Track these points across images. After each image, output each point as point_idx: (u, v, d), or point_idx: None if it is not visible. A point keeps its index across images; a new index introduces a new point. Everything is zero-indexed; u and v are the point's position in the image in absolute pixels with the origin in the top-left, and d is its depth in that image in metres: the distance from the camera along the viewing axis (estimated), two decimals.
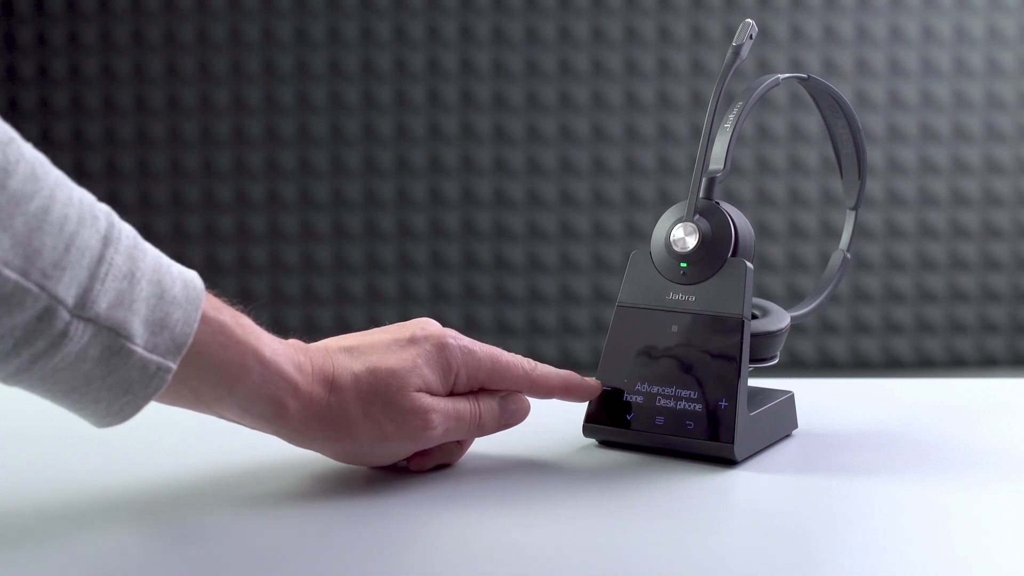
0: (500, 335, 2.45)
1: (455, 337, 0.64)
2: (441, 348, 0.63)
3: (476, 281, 2.49)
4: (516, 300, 2.49)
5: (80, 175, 2.41)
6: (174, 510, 0.60)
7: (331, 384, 0.60)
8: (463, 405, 0.64)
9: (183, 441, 0.73)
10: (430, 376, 0.62)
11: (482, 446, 0.71)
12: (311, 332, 2.41)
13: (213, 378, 0.57)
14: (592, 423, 0.72)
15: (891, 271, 2.52)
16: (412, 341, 0.63)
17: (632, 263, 0.73)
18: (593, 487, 0.65)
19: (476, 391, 0.66)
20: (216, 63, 2.47)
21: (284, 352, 0.59)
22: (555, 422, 0.76)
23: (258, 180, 2.48)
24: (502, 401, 0.67)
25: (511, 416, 0.68)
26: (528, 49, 2.49)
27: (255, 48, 2.47)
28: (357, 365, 0.61)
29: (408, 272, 2.48)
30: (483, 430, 0.66)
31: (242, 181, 2.47)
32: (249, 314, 0.60)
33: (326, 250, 2.47)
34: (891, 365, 2.52)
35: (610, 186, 2.51)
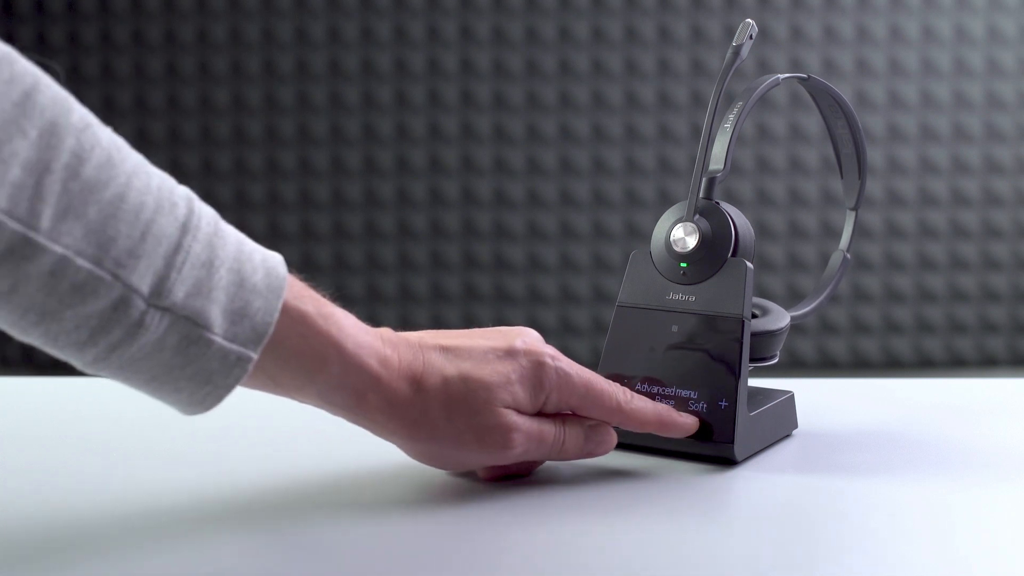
0: None
1: (554, 357, 0.63)
2: (538, 367, 0.62)
3: (476, 281, 2.49)
4: (516, 300, 2.49)
5: None
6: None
7: (418, 382, 0.59)
8: (548, 427, 0.63)
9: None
10: (520, 394, 0.61)
11: None
12: None
13: (293, 368, 0.56)
14: None
15: (891, 271, 2.52)
16: (510, 353, 0.62)
17: (632, 263, 0.73)
18: (593, 487, 0.65)
19: (564, 414, 0.64)
20: (216, 63, 2.47)
21: (369, 344, 0.58)
22: None
23: (258, 180, 2.48)
24: (589, 430, 0.65)
25: (596, 447, 0.65)
26: (528, 49, 2.49)
27: (255, 48, 2.47)
28: (449, 368, 0.60)
29: (408, 272, 2.48)
30: (564, 455, 0.64)
31: (242, 181, 2.47)
32: (336, 301, 0.59)
33: (326, 250, 2.47)
34: (891, 365, 2.52)
35: (610, 186, 2.51)
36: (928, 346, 2.53)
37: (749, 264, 0.69)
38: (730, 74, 0.70)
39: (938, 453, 0.72)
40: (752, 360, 0.70)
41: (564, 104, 2.50)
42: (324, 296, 0.59)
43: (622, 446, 0.71)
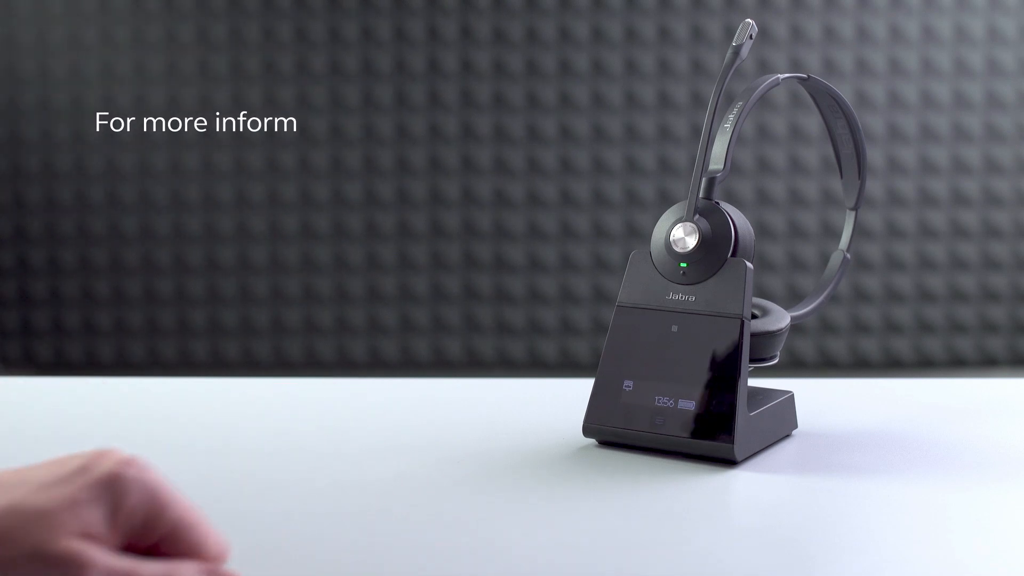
0: (500, 335, 2.45)
1: (140, 469, 0.49)
2: (113, 479, 0.48)
3: (476, 281, 2.49)
4: (516, 300, 2.49)
5: (80, 175, 2.41)
6: None
7: None
8: (147, 568, 0.47)
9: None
10: (93, 518, 0.47)
11: (479, 444, 0.70)
12: (311, 332, 2.41)
13: None
14: (592, 423, 0.72)
15: (891, 271, 2.52)
16: (80, 471, 0.48)
17: (632, 263, 0.73)
18: (593, 487, 0.65)
19: (174, 556, 0.49)
20: (217, 63, 2.47)
21: None
22: (555, 422, 0.76)
23: (258, 180, 2.48)
24: (212, 573, 0.49)
25: None
26: (528, 49, 2.49)
27: (255, 48, 2.47)
28: None
29: (408, 272, 2.48)
30: None
31: (242, 181, 2.47)
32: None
33: (326, 250, 2.47)
34: (891, 365, 2.52)
35: (610, 186, 2.51)
36: (928, 346, 2.53)
37: (749, 264, 0.69)
38: (730, 74, 0.70)
39: (938, 453, 0.72)
40: (752, 360, 0.70)
41: (564, 104, 2.50)
42: None
43: (624, 447, 0.71)
